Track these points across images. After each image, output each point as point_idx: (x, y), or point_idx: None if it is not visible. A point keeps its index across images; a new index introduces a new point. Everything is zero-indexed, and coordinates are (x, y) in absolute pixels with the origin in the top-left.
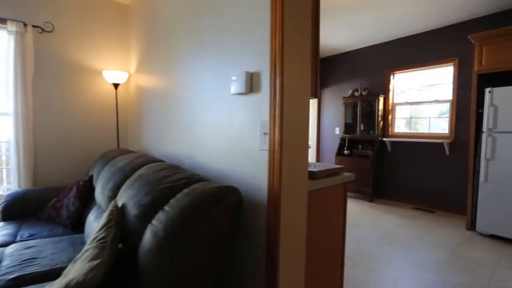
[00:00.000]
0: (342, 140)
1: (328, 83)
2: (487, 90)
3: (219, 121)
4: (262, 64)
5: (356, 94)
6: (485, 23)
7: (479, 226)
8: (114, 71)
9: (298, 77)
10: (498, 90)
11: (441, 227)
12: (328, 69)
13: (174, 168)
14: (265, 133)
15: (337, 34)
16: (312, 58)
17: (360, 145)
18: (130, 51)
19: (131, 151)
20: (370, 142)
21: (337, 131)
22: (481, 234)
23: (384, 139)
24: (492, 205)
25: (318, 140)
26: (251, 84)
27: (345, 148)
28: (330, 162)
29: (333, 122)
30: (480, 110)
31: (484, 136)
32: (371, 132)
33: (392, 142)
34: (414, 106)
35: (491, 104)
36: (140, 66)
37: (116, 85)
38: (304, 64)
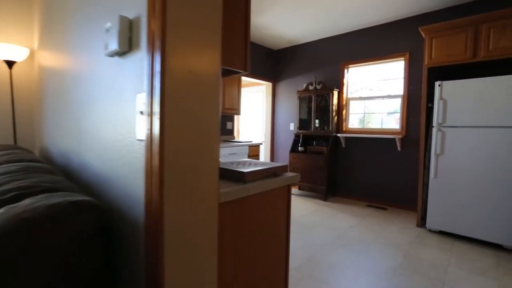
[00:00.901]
0: (297, 136)
1: (283, 76)
2: (437, 83)
3: (99, 100)
4: (143, 8)
5: (311, 88)
6: (436, 17)
7: (429, 222)
8: (6, 44)
9: (199, 38)
10: (447, 84)
11: (394, 225)
12: (283, 61)
13: (29, 172)
14: (141, 113)
15: (293, 25)
16: (238, 25)
17: (314, 142)
18: (33, 21)
19: (16, 148)
20: (325, 138)
21: (292, 126)
22: (431, 231)
23: (338, 135)
24: (441, 201)
25: (273, 137)
26: (131, 37)
27: (299, 145)
28: (284, 159)
29: (287, 117)
30: (430, 105)
31: (434, 130)
32: (325, 128)
33: (346, 138)
34: (367, 101)
35: (441, 98)
36: (43, 40)
37: (10, 63)
38: (212, 24)
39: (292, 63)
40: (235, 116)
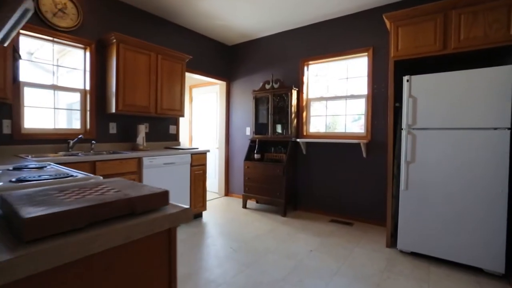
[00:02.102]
0: (252, 142)
1: (238, 75)
2: (405, 78)
3: None
4: None
5: (267, 87)
6: (404, 8)
7: (400, 242)
8: None
9: None
10: (417, 79)
11: (361, 247)
12: (239, 58)
13: None
14: None
15: (247, 15)
16: None
17: (273, 148)
18: None
19: None
20: (284, 144)
21: (248, 131)
22: (402, 252)
23: (298, 140)
24: (413, 217)
25: (227, 143)
26: None
27: (255, 152)
28: (240, 169)
29: (244, 120)
30: (397, 104)
31: (403, 134)
32: (284, 132)
33: (307, 143)
34: (329, 102)
35: (410, 96)
36: None
37: None
38: None
39: (248, 60)
40: (189, 121)
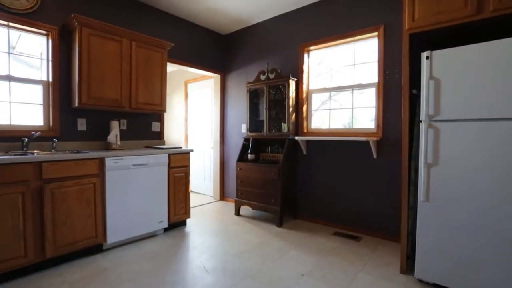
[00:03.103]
0: (246, 140)
1: (233, 67)
2: (423, 55)
3: None
4: None
5: (262, 77)
6: None
7: (419, 269)
8: None
9: None
10: (440, 54)
11: (367, 271)
12: (234, 48)
13: None
14: None
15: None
16: None
17: (269, 147)
18: None
19: None
20: (282, 142)
21: (243, 128)
22: (422, 282)
23: (297, 138)
24: (436, 237)
25: (222, 142)
26: None
27: (249, 152)
28: (235, 171)
29: (239, 117)
30: (415, 91)
31: (422, 127)
32: (282, 129)
33: (307, 141)
34: (333, 94)
35: (431, 77)
36: None
37: None
38: None
39: (243, 50)
40: (185, 118)
